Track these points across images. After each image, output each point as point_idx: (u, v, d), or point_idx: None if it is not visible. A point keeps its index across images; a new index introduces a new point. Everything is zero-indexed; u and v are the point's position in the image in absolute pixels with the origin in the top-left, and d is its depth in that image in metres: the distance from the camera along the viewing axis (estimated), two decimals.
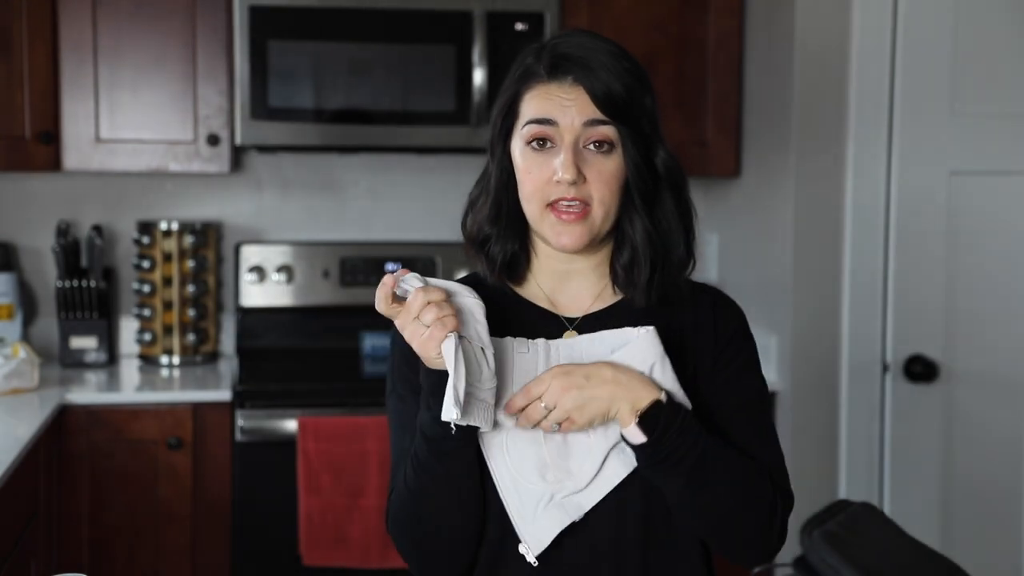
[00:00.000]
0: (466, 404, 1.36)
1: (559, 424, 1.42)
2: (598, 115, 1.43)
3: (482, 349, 1.39)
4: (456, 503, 1.44)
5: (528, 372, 1.45)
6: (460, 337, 1.37)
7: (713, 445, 1.43)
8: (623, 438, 1.43)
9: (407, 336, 1.38)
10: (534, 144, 1.45)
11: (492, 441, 1.45)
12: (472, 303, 1.41)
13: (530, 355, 1.46)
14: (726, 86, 3.40)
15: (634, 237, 1.48)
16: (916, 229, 3.11)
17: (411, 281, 1.38)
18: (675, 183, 1.49)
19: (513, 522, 1.45)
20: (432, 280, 1.40)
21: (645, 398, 1.41)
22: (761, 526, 1.46)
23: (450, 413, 1.35)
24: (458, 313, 1.38)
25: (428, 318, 1.36)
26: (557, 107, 1.43)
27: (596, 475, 1.45)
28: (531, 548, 1.44)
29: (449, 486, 1.43)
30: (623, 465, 1.45)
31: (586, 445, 1.44)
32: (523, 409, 1.43)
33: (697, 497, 1.43)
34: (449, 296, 1.39)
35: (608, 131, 1.43)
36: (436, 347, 1.36)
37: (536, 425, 1.43)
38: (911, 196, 3.10)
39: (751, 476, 1.46)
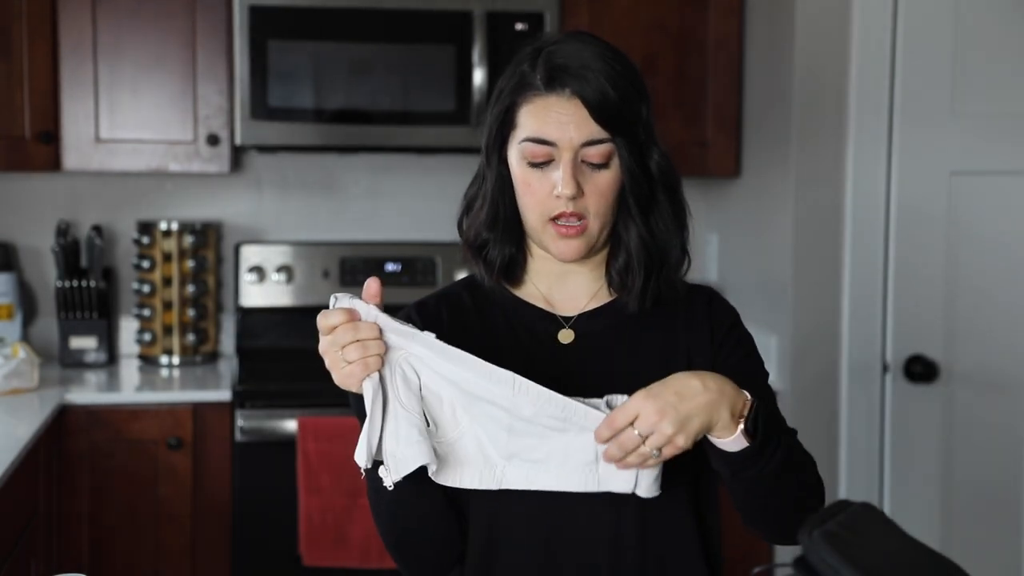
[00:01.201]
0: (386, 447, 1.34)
1: (659, 450, 1.30)
2: (596, 134, 1.42)
3: (399, 404, 1.34)
4: (423, 511, 1.46)
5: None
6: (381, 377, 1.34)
7: (786, 431, 1.44)
8: (711, 445, 1.35)
9: (328, 363, 1.36)
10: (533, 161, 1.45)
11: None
12: (409, 355, 1.35)
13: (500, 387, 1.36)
14: (726, 86, 3.40)
15: (629, 243, 1.49)
16: (916, 229, 3.11)
17: (348, 302, 1.34)
18: (669, 184, 1.50)
19: (384, 440, 1.36)
20: (375, 314, 1.34)
21: (740, 401, 1.35)
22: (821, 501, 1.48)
23: (361, 458, 1.33)
24: (387, 357, 1.34)
25: (352, 355, 1.33)
26: (555, 125, 1.42)
27: (561, 466, 1.36)
28: (391, 471, 1.35)
29: (410, 497, 1.43)
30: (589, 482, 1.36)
31: (562, 442, 1.35)
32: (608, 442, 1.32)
33: (780, 485, 1.41)
34: (382, 333, 1.34)
35: (606, 149, 1.43)
36: (356, 384, 1.35)
37: (630, 460, 1.30)
38: (911, 196, 3.10)
39: (807, 455, 1.48)
